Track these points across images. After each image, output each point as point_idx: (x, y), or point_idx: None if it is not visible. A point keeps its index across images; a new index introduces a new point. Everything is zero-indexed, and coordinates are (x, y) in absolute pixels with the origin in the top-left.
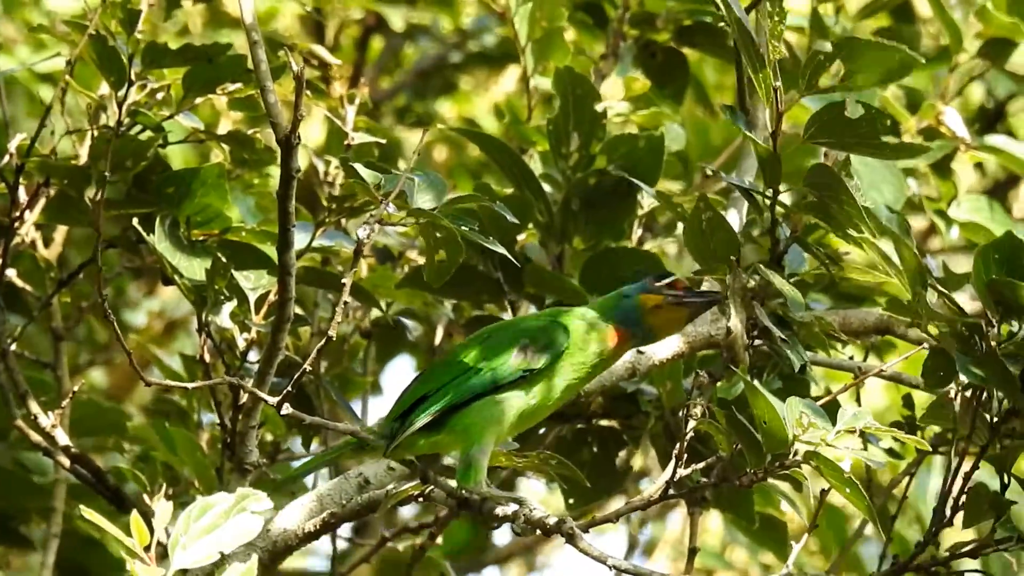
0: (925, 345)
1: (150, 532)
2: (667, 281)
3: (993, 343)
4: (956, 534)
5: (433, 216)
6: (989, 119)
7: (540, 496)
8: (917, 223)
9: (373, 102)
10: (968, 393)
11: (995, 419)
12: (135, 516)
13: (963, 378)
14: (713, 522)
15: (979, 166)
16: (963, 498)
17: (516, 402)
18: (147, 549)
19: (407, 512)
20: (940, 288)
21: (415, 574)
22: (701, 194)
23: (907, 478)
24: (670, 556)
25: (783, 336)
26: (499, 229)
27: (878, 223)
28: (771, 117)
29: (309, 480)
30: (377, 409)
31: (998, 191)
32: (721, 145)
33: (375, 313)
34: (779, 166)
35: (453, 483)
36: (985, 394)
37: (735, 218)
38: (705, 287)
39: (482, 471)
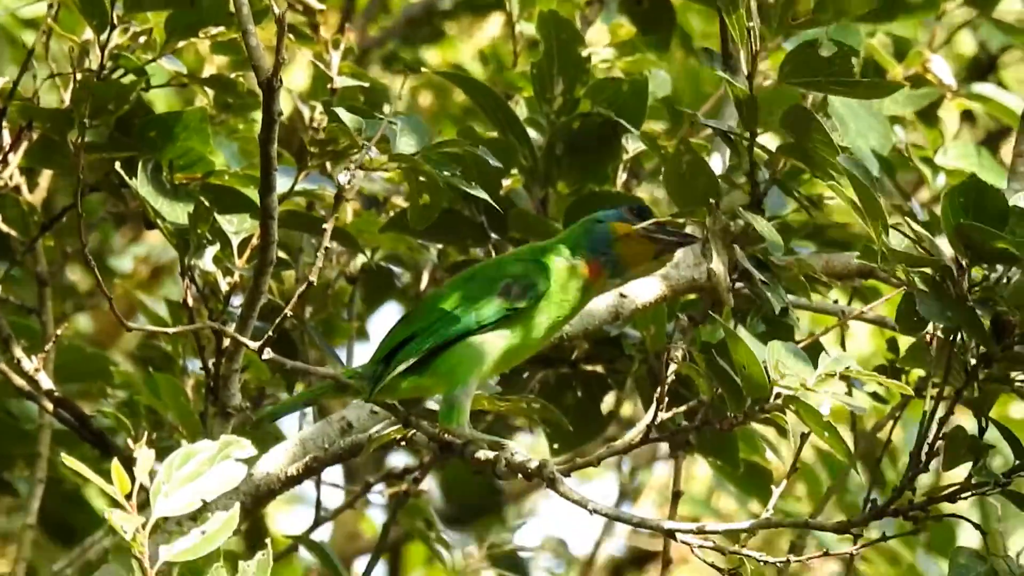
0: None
1: (131, 480)
2: (649, 221)
3: (964, 288)
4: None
5: (414, 161)
6: (982, 71)
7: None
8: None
9: (362, 50)
10: (944, 336)
11: (971, 363)
12: (116, 464)
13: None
14: (701, 469)
15: (970, 118)
16: (940, 443)
17: (499, 342)
18: (128, 497)
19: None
20: (911, 232)
21: (400, 520)
22: (682, 137)
23: (891, 422)
24: (656, 502)
25: (764, 279)
26: (483, 174)
27: (841, 166)
28: (747, 58)
29: (293, 424)
30: (364, 355)
31: (990, 142)
32: (712, 93)
33: (361, 259)
34: (756, 108)
35: (436, 427)
36: (961, 337)
37: (718, 163)
38: (688, 231)
39: (465, 412)
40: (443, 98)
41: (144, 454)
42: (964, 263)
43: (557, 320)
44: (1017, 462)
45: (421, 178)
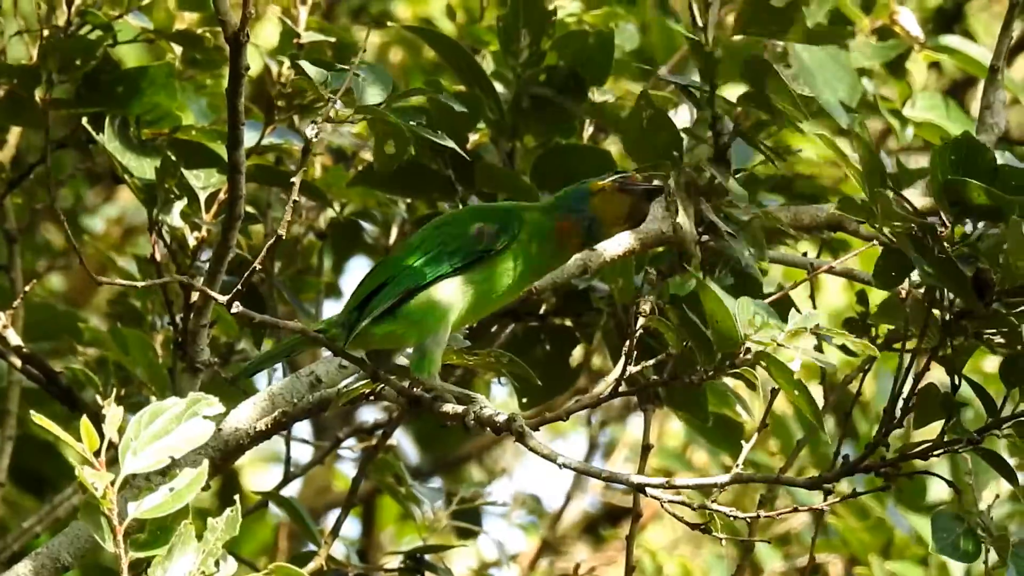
0: (875, 242)
1: (100, 436)
2: (619, 174)
3: (947, 244)
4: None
5: (380, 112)
6: (947, 20)
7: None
8: (873, 124)
9: (329, 3)
10: (920, 293)
11: (947, 319)
12: (85, 421)
13: (915, 278)
14: (674, 424)
15: (937, 67)
16: (913, 399)
17: (471, 287)
18: (97, 454)
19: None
20: (894, 188)
21: (370, 475)
22: (643, 91)
23: (861, 375)
24: (628, 458)
25: (730, 232)
26: (449, 127)
27: (802, 114)
28: (699, 9)
29: (262, 380)
30: (333, 311)
31: (956, 91)
32: (683, 45)
33: (330, 214)
34: (714, 59)
35: (403, 383)
36: (937, 294)
37: (685, 116)
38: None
39: (436, 362)
40: (414, 54)
41: (113, 411)
42: (948, 219)
43: (527, 271)
44: (989, 419)
45: (386, 128)
